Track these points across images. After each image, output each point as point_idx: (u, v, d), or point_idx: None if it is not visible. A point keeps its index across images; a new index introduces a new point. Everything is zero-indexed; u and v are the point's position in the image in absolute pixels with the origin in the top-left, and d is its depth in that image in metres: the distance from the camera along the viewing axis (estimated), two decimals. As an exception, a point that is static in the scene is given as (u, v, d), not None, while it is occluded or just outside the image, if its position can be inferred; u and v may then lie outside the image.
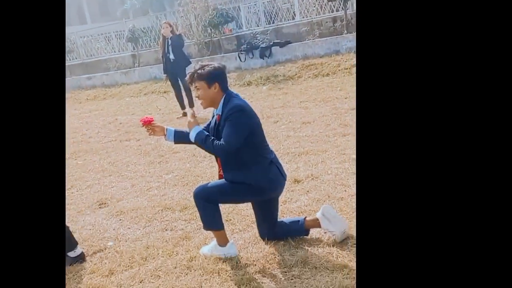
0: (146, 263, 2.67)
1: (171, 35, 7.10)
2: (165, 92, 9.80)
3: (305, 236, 2.65)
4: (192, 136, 2.51)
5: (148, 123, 2.64)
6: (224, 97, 2.51)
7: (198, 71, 2.49)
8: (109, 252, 2.88)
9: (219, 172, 2.61)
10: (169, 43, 7.09)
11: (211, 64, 2.52)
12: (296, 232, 2.65)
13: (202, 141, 2.47)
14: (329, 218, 2.54)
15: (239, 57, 10.20)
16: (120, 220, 3.42)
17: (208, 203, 2.47)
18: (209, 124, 2.64)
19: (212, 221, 2.52)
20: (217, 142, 2.42)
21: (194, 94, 2.61)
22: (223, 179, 2.55)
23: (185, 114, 7.26)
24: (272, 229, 2.66)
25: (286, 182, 2.66)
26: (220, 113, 2.50)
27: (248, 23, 12.05)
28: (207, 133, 2.51)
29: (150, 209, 3.51)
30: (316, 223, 2.59)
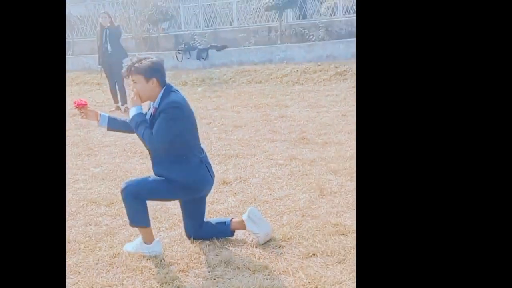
0: (66, 259, 2.60)
1: (108, 25, 6.91)
2: (98, 84, 9.46)
3: (230, 237, 2.74)
4: (132, 112, 2.49)
5: (81, 106, 2.60)
6: (163, 90, 2.50)
7: (136, 64, 2.45)
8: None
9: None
10: (107, 33, 6.89)
11: (149, 58, 2.49)
12: (221, 233, 2.71)
13: (137, 124, 2.45)
14: (254, 220, 2.63)
15: (176, 56, 10.13)
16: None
17: (135, 199, 2.46)
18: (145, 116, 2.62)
19: (139, 218, 2.51)
20: (148, 130, 2.42)
21: (128, 87, 2.60)
22: (152, 175, 2.56)
23: (118, 108, 7.10)
24: (199, 228, 2.70)
25: (214, 182, 2.74)
26: (157, 106, 2.48)
27: (187, 24, 12.00)
28: (146, 119, 2.49)
29: (74, 203, 3.42)
30: (242, 225, 2.66)
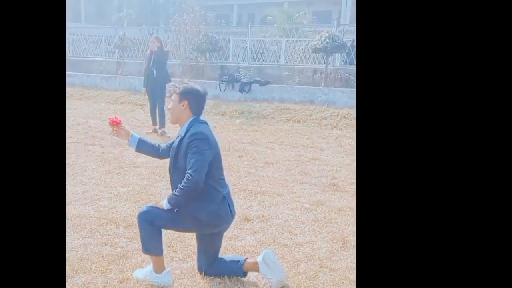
0: (75, 277, 2.58)
1: (156, 49, 7.14)
2: (141, 105, 9.75)
3: (242, 277, 2.64)
4: (166, 205, 2.43)
5: (115, 124, 2.64)
6: (191, 119, 2.51)
7: (177, 85, 2.55)
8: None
9: None
10: (155, 57, 7.11)
11: (192, 83, 2.56)
12: (234, 271, 2.63)
13: (175, 199, 2.39)
14: (268, 264, 2.53)
15: (219, 86, 10.33)
16: (60, 226, 3.32)
17: (150, 225, 2.43)
18: (172, 143, 2.64)
19: (152, 245, 2.47)
20: (184, 181, 2.35)
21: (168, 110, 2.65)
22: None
23: (155, 131, 7.24)
24: (212, 264, 2.63)
25: (235, 218, 2.67)
26: (183, 135, 2.48)
27: (234, 56, 12.30)
28: (172, 194, 2.43)
29: (95, 220, 3.43)
30: (255, 267, 2.57)
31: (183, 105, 2.50)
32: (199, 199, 2.43)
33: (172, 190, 2.53)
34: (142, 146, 2.72)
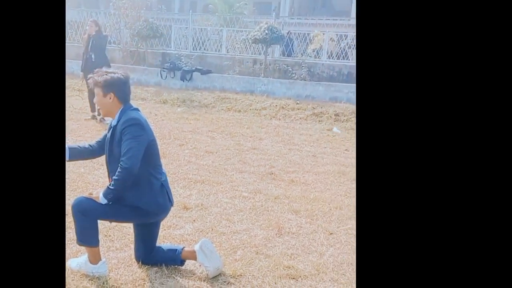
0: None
1: (94, 33, 6.88)
2: (78, 90, 9.36)
3: (179, 266, 2.68)
4: (103, 200, 2.36)
5: None
6: (121, 108, 2.44)
7: (95, 77, 2.41)
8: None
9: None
10: (93, 41, 6.85)
11: (110, 72, 2.44)
12: (171, 260, 2.65)
13: (111, 193, 2.33)
14: (206, 252, 2.58)
15: (160, 74, 10.16)
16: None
17: (84, 216, 2.36)
18: (105, 136, 2.56)
19: (88, 237, 2.42)
20: (117, 172, 2.30)
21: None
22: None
23: (94, 117, 7.00)
24: (149, 253, 2.64)
25: (174, 207, 2.67)
26: (115, 124, 2.42)
27: (175, 44, 12.11)
28: (107, 188, 2.36)
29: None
30: (193, 255, 2.61)
31: (110, 98, 2.42)
32: (136, 187, 2.39)
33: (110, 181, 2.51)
34: (74, 155, 2.56)
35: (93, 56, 6.85)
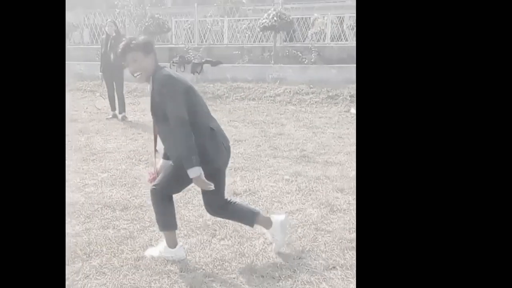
0: (90, 260, 2.63)
1: (114, 34, 6.93)
2: (91, 91, 9.43)
3: (249, 226, 2.74)
4: (193, 173, 2.33)
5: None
6: (156, 71, 2.41)
7: (133, 41, 2.40)
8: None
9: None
10: (112, 42, 6.89)
11: (142, 37, 2.50)
12: (246, 219, 2.69)
13: (187, 157, 2.32)
14: (284, 227, 2.72)
15: (170, 68, 10.22)
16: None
17: (163, 201, 2.50)
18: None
19: (169, 222, 2.57)
20: (174, 138, 2.34)
21: (125, 73, 2.55)
22: (170, 167, 2.52)
23: (115, 115, 7.10)
24: (221, 205, 2.62)
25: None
26: (153, 87, 2.41)
27: (177, 38, 12.19)
28: (184, 161, 2.34)
29: (88, 206, 3.44)
30: (267, 224, 2.69)
31: (151, 58, 2.41)
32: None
33: (163, 145, 2.55)
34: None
35: (112, 56, 6.91)
